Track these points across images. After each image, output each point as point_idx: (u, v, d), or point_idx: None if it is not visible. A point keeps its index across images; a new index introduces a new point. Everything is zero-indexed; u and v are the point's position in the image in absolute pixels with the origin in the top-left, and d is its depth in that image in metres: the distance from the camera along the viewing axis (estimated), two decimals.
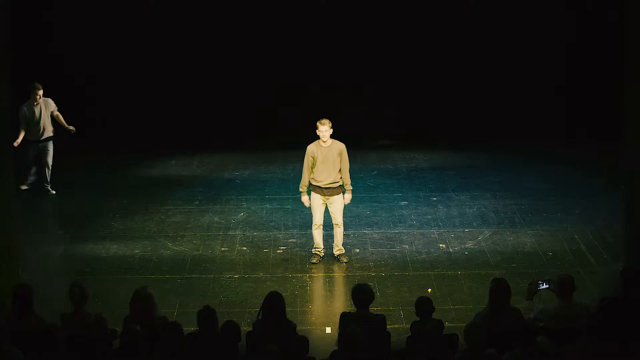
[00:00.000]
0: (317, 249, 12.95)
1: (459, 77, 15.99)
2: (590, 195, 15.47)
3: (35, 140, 15.65)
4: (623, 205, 12.42)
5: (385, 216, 14.73)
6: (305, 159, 12.68)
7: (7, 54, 11.84)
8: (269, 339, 8.41)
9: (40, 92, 15.64)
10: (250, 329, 9.22)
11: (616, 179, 13.32)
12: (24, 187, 15.79)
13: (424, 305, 9.10)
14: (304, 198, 12.88)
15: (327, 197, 12.72)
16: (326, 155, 12.59)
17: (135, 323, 8.77)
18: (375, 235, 13.90)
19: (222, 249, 13.56)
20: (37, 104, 15.61)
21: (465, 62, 18.17)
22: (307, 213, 13.11)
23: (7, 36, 11.85)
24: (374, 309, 9.54)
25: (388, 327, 9.43)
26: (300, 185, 12.84)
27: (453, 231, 14.09)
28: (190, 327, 9.26)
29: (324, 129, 12.53)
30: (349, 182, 12.77)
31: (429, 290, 11.82)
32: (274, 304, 9.08)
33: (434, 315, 9.14)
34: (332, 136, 12.62)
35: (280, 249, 13.44)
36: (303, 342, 8.40)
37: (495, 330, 8.64)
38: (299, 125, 15.68)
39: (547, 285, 9.38)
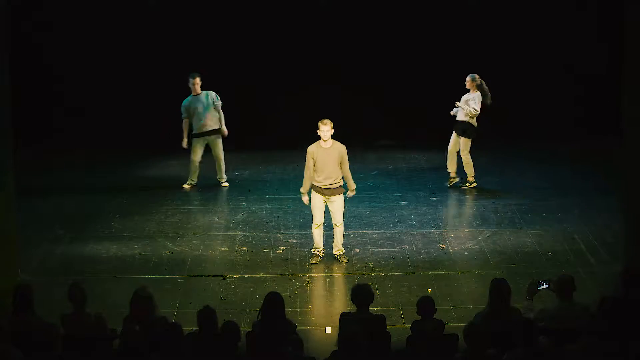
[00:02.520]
0: (317, 249, 12.96)
1: (458, 77, 15.97)
2: (590, 195, 15.47)
3: (200, 134, 15.87)
4: (623, 205, 12.42)
5: (385, 216, 14.73)
6: (306, 160, 12.68)
7: (6, 55, 11.84)
8: (268, 339, 8.42)
9: (197, 82, 15.72)
10: (250, 329, 9.22)
11: (616, 179, 13.32)
12: (186, 186, 16.04)
13: (426, 305, 9.09)
14: (305, 198, 12.90)
15: (327, 197, 12.73)
16: (327, 156, 12.60)
17: (135, 323, 8.77)
18: (375, 235, 13.90)
19: (222, 249, 13.56)
20: (198, 95, 15.74)
21: (465, 62, 18.14)
22: (307, 213, 13.11)
23: (6, 36, 11.86)
24: (374, 309, 9.54)
25: (388, 327, 9.44)
26: (302, 187, 12.83)
27: (453, 231, 14.09)
28: (190, 327, 9.26)
29: (326, 129, 12.54)
30: (353, 183, 12.82)
31: (429, 290, 11.82)
32: (274, 304, 9.08)
33: (435, 315, 9.13)
34: (333, 136, 12.63)
35: (280, 249, 13.44)
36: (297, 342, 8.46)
37: (495, 330, 8.64)
38: (299, 125, 15.69)
39: (547, 285, 9.38)
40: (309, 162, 12.67)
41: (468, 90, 15.59)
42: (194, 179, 16.13)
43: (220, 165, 16.08)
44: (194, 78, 15.77)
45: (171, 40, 18.48)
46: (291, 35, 18.53)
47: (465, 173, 15.83)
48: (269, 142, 18.23)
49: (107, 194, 15.96)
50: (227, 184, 16.14)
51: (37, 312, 9.18)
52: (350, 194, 12.92)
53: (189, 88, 15.82)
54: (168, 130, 18.35)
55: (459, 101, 15.56)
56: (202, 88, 15.83)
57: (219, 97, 15.84)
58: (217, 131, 15.84)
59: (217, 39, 18.50)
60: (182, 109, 15.91)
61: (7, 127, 11.86)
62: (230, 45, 18.53)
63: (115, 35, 18.46)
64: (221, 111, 15.84)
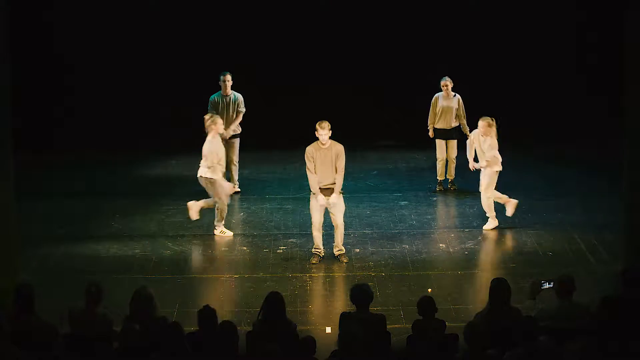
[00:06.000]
0: (316, 250, 12.96)
1: (458, 77, 15.98)
2: (590, 195, 15.47)
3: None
4: (623, 205, 12.42)
5: (385, 216, 14.73)
6: (306, 161, 12.66)
7: (7, 54, 11.84)
8: (269, 339, 8.42)
9: (228, 79, 15.46)
10: (250, 329, 9.22)
11: (616, 179, 13.33)
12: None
13: (426, 305, 9.09)
14: (320, 197, 12.71)
15: (327, 197, 12.72)
16: (325, 157, 12.59)
17: (135, 323, 8.77)
18: (375, 235, 13.90)
19: (222, 249, 13.56)
20: (226, 96, 15.53)
21: (465, 62, 18.17)
22: (307, 213, 13.11)
23: (6, 36, 11.85)
24: (374, 309, 9.54)
25: (388, 327, 9.43)
26: (312, 188, 12.72)
27: (453, 231, 14.09)
28: (190, 327, 9.26)
29: (324, 132, 12.52)
30: (340, 186, 12.71)
31: (429, 290, 11.82)
32: (274, 304, 9.08)
33: (435, 315, 9.13)
34: (331, 137, 12.62)
35: (280, 249, 13.44)
36: (309, 343, 8.43)
37: (495, 330, 8.64)
38: (298, 125, 15.68)
39: (551, 285, 9.37)
40: (310, 164, 12.65)
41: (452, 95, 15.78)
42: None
43: (232, 170, 15.72)
44: (224, 75, 15.47)
45: (171, 40, 18.47)
46: (291, 35, 18.52)
47: (453, 174, 15.89)
48: (269, 142, 18.22)
49: (107, 194, 15.96)
50: (239, 190, 15.83)
51: (37, 312, 9.17)
52: (332, 197, 12.64)
53: (219, 86, 15.58)
54: (168, 131, 18.41)
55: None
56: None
57: (244, 104, 15.56)
58: (236, 136, 15.64)
59: (217, 38, 18.49)
60: (209, 104, 15.51)
61: (7, 128, 11.86)
62: (230, 45, 18.52)
63: (116, 36, 18.45)
64: (240, 117, 15.58)
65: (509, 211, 14.05)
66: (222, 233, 13.90)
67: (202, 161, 13.71)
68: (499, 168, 13.95)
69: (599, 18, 18.16)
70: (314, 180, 12.66)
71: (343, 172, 12.70)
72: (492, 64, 18.44)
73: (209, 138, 13.68)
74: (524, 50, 18.51)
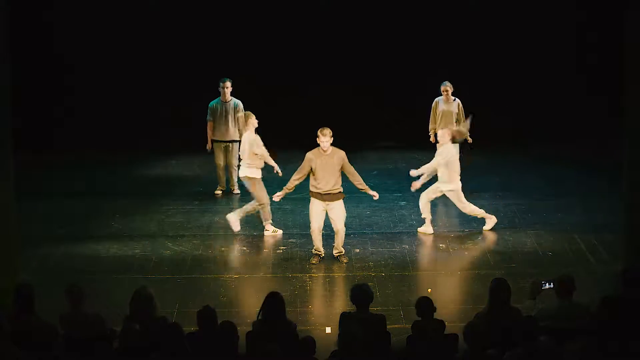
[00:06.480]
0: (317, 251, 12.97)
1: (457, 77, 16.00)
2: (590, 195, 15.47)
3: (220, 140, 15.76)
4: (623, 205, 12.42)
5: (385, 216, 14.74)
6: (303, 163, 12.72)
7: (7, 54, 11.84)
8: (269, 339, 8.42)
9: (228, 86, 15.59)
10: (250, 329, 9.21)
11: (616, 179, 13.34)
12: (217, 192, 15.95)
13: (424, 305, 9.10)
14: (279, 196, 12.99)
15: (327, 202, 12.74)
16: (326, 163, 12.64)
17: (135, 323, 8.77)
18: (375, 235, 13.90)
19: (222, 249, 13.57)
20: (226, 102, 15.63)
21: (465, 63, 18.18)
22: (307, 213, 13.11)
23: (6, 36, 11.85)
24: (374, 309, 9.54)
25: (388, 327, 9.43)
26: (287, 184, 12.90)
27: (453, 231, 14.10)
28: (190, 327, 9.26)
29: (325, 139, 12.58)
30: (365, 186, 12.96)
31: (429, 290, 11.82)
32: (274, 304, 9.08)
33: (435, 315, 9.13)
34: (333, 136, 12.65)
35: (280, 249, 13.45)
36: (309, 343, 8.44)
37: (495, 330, 8.64)
38: (298, 126, 15.69)
39: (551, 285, 9.37)
40: (304, 167, 12.72)
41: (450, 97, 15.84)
42: (222, 185, 16.00)
43: (231, 173, 15.87)
44: (223, 82, 15.59)
45: (172, 40, 18.47)
46: (291, 35, 18.52)
47: None
48: (269, 142, 18.18)
49: (107, 194, 15.97)
50: (238, 191, 15.94)
51: (37, 312, 9.16)
52: (374, 193, 12.99)
53: (219, 92, 15.65)
54: (168, 130, 18.41)
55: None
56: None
57: (243, 110, 15.61)
58: (236, 140, 15.69)
59: (217, 39, 18.49)
60: (208, 111, 15.70)
61: (7, 128, 11.85)
62: (230, 45, 18.53)
63: (116, 36, 18.46)
64: (242, 121, 15.70)
65: (424, 229, 14.00)
66: (274, 232, 13.90)
67: (242, 160, 13.81)
68: (450, 187, 13.86)
69: (599, 18, 18.17)
70: (295, 180, 12.81)
71: (357, 172, 12.83)
72: (492, 63, 18.45)
73: (245, 135, 13.79)
74: (524, 51, 18.52)
